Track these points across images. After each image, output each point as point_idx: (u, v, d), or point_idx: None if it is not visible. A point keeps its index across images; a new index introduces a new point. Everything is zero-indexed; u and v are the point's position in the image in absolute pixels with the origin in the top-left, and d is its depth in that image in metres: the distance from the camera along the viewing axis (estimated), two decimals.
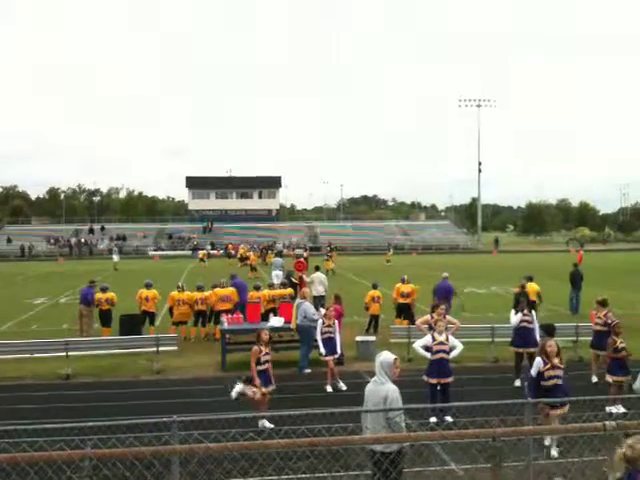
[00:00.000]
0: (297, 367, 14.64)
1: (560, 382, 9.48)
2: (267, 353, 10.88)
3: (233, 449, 5.08)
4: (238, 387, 10.43)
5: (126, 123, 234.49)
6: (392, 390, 6.72)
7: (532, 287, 19.76)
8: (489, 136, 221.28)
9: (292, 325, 15.04)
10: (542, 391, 9.31)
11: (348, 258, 59.92)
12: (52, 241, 79.24)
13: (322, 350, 13.28)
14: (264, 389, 10.66)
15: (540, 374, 9.46)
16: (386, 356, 6.92)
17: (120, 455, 4.69)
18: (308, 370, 14.52)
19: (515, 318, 13.37)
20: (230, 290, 18.69)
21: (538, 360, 9.57)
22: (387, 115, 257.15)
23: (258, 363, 10.71)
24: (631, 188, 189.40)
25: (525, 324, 13.26)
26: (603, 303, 13.55)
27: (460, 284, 25.11)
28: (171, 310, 18.87)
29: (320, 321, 13.62)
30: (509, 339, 13.76)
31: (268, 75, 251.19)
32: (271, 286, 20.06)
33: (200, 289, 19.14)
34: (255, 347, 10.87)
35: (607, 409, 10.87)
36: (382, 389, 6.73)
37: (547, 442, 9.23)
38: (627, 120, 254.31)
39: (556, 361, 9.50)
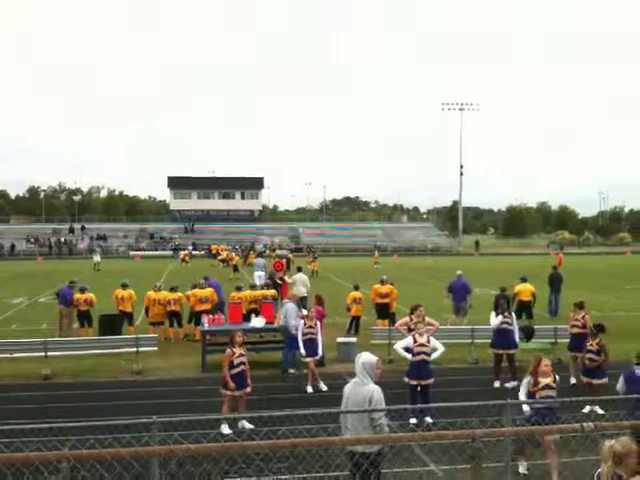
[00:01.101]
0: (281, 367, 14.62)
1: (555, 405, 8.50)
2: (241, 355, 10.68)
3: (213, 450, 5.07)
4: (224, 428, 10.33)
5: (110, 123, 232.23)
6: (377, 391, 6.69)
7: (527, 287, 20.26)
8: (473, 139, 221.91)
9: (276, 324, 15.10)
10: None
11: (330, 259, 59.91)
12: (32, 240, 78.38)
13: (302, 352, 13.28)
14: (237, 392, 10.57)
15: (532, 395, 8.61)
16: (368, 357, 6.90)
17: (98, 456, 4.65)
18: (292, 370, 14.51)
19: (495, 320, 13.47)
20: (209, 291, 18.62)
21: (528, 380, 8.77)
22: (372, 117, 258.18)
23: (232, 366, 10.55)
24: (610, 192, 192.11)
25: (505, 326, 13.38)
26: (580, 305, 13.75)
27: (442, 285, 25.22)
28: (147, 310, 18.79)
29: (302, 322, 13.61)
30: (489, 340, 13.86)
31: (259, 75, 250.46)
32: (253, 287, 20.00)
33: (173, 290, 19.06)
34: (228, 350, 10.71)
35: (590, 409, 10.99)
36: (366, 390, 6.69)
37: (521, 469, 8.58)
38: (607, 124, 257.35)
39: (549, 380, 8.62)
